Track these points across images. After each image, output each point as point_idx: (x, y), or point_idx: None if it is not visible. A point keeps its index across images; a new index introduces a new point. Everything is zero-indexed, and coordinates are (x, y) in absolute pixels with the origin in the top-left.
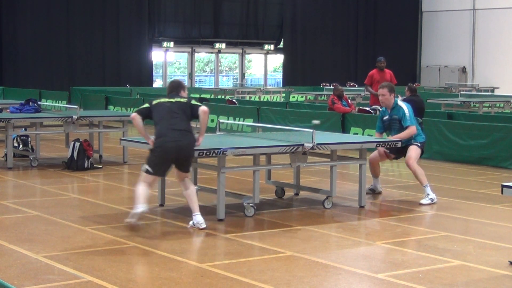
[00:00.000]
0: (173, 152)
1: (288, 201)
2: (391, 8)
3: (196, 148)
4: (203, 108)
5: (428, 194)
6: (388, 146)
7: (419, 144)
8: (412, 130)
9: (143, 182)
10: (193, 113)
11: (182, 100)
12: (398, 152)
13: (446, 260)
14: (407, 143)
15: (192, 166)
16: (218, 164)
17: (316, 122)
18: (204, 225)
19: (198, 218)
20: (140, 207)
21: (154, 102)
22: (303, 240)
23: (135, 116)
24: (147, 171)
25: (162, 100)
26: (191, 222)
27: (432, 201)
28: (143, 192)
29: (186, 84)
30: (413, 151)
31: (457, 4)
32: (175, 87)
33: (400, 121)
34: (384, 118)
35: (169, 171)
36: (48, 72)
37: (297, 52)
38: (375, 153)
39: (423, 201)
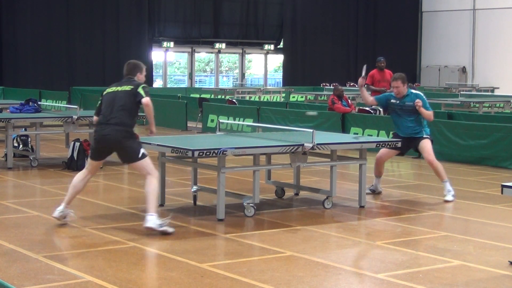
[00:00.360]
0: (102, 144)
1: (288, 201)
2: (391, 8)
3: (150, 137)
4: (144, 101)
5: (449, 190)
6: (388, 146)
7: (429, 137)
8: (432, 114)
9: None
10: (137, 102)
11: (128, 88)
12: (406, 147)
13: (446, 260)
14: (412, 135)
15: (192, 166)
16: (218, 164)
17: (311, 113)
18: (161, 228)
19: (149, 218)
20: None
21: (104, 92)
22: (303, 240)
23: (96, 119)
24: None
25: (110, 89)
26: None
27: (454, 196)
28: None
29: (144, 65)
30: (429, 146)
31: (457, 4)
32: (130, 70)
33: (412, 108)
34: (392, 101)
35: (102, 156)
36: (48, 72)
37: (297, 52)
38: (383, 150)
39: (448, 198)
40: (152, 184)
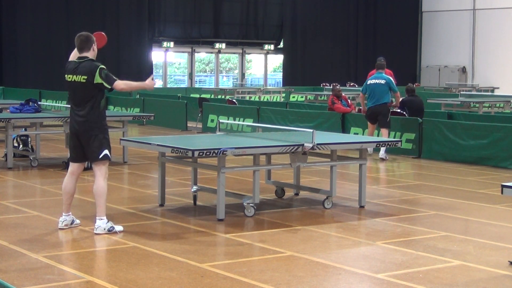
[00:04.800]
0: (75, 138)
1: (288, 201)
2: (391, 8)
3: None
4: (117, 88)
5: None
6: (388, 146)
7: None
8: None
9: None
10: (100, 92)
11: (82, 79)
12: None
13: (446, 260)
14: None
15: (192, 166)
16: (218, 164)
17: None
18: (119, 228)
19: (99, 223)
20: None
21: (65, 77)
22: (303, 240)
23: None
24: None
25: (67, 76)
26: (100, 228)
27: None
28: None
29: (94, 38)
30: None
31: (457, 4)
32: (82, 45)
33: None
34: (369, 82)
35: (79, 157)
36: (48, 72)
37: (297, 52)
38: (369, 131)
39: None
40: (100, 182)
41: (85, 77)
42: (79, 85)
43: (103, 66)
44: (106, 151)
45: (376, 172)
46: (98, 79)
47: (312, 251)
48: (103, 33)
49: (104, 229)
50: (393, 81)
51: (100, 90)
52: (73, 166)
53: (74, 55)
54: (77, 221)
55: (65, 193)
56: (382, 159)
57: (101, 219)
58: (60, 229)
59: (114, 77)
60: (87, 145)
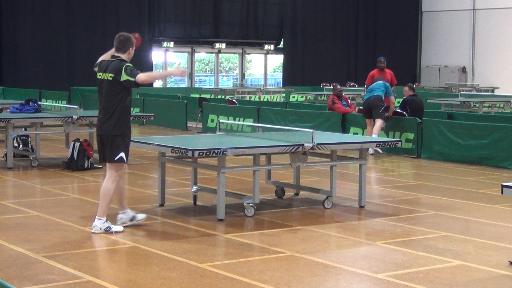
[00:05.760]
0: (99, 139)
1: (288, 201)
2: (391, 8)
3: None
4: (139, 82)
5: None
6: (388, 146)
7: None
8: None
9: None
10: (126, 92)
11: (109, 77)
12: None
13: (446, 260)
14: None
15: (192, 166)
16: (218, 164)
17: None
18: (119, 229)
19: (97, 223)
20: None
21: (96, 71)
22: (303, 240)
23: None
24: None
25: (98, 74)
26: (98, 227)
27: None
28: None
29: (134, 41)
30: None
31: (457, 4)
32: (120, 46)
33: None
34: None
35: (105, 157)
36: (48, 72)
37: (297, 52)
38: (368, 129)
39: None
40: (109, 183)
41: (112, 75)
42: (106, 83)
43: (129, 64)
44: (121, 154)
45: (376, 172)
46: (124, 76)
47: (312, 251)
48: (138, 36)
49: (100, 228)
50: (389, 87)
51: (125, 89)
52: (105, 167)
53: (106, 56)
54: (139, 215)
55: (115, 193)
56: (375, 152)
57: (100, 219)
58: (119, 227)
59: (137, 71)
60: (106, 145)
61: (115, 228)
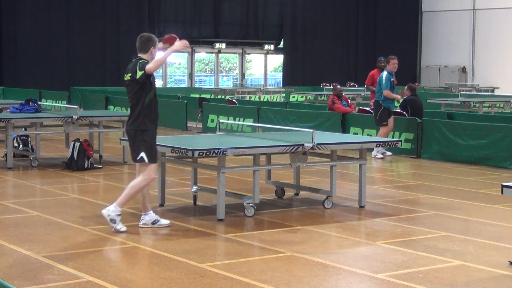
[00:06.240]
0: (128, 139)
1: (288, 201)
2: (391, 8)
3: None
4: (148, 71)
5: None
6: (388, 146)
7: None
8: None
9: None
10: (143, 91)
11: (128, 77)
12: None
13: (446, 260)
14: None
15: (192, 166)
16: (218, 164)
17: None
18: (165, 222)
19: (108, 210)
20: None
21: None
22: (303, 240)
23: None
24: None
25: (126, 75)
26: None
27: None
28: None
29: (155, 41)
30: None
31: (457, 4)
32: (141, 46)
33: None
34: (392, 79)
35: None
36: (48, 72)
37: (297, 52)
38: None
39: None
40: (139, 180)
41: (130, 75)
42: (127, 83)
43: (144, 60)
44: (142, 154)
45: (376, 172)
46: (139, 73)
47: (312, 251)
48: (173, 36)
49: (108, 215)
50: (383, 80)
51: (143, 86)
52: (136, 165)
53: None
54: (163, 221)
55: (139, 194)
56: (380, 157)
57: (115, 207)
58: (140, 227)
59: (146, 62)
60: (129, 144)
61: (118, 225)
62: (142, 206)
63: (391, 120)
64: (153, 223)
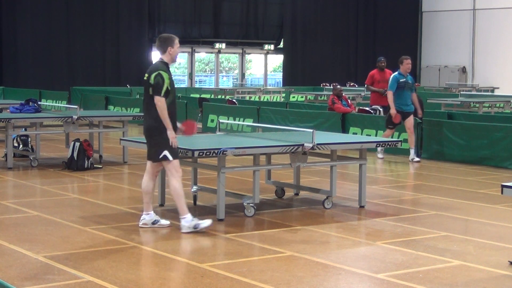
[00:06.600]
0: (144, 135)
1: (288, 201)
2: (391, 8)
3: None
4: (156, 99)
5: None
6: (388, 146)
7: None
8: None
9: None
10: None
11: (145, 77)
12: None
13: (446, 260)
14: (410, 110)
15: (192, 166)
16: (218, 164)
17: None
18: (207, 223)
19: (183, 223)
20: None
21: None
22: (303, 240)
23: None
24: None
25: (146, 74)
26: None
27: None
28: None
29: (172, 40)
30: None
31: (457, 4)
32: (159, 47)
33: (412, 84)
34: (401, 80)
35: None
36: (48, 72)
37: (297, 52)
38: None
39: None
40: (174, 181)
41: (147, 75)
42: (144, 83)
43: (162, 73)
44: (165, 152)
45: (376, 172)
46: (152, 80)
47: (312, 251)
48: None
49: (189, 227)
50: (390, 80)
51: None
52: (147, 164)
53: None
54: (163, 221)
55: (143, 192)
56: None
57: (184, 217)
58: (140, 227)
59: (161, 90)
60: (147, 144)
61: (203, 223)
62: (145, 205)
63: (408, 121)
64: (153, 223)
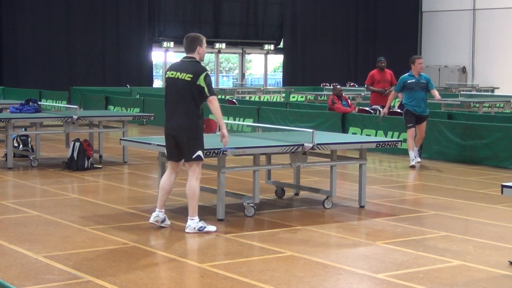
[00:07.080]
0: (170, 139)
1: (288, 201)
2: (391, 8)
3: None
4: (209, 99)
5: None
6: (388, 146)
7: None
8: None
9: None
10: (200, 95)
11: (186, 77)
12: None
13: (446, 260)
14: (423, 113)
15: None
16: (218, 164)
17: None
18: (212, 228)
19: (190, 223)
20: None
21: (166, 75)
22: (303, 240)
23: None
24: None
25: (170, 73)
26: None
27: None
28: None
29: (201, 39)
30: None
31: (457, 4)
32: (187, 46)
33: (426, 83)
34: (409, 81)
35: (174, 155)
36: (48, 72)
37: (297, 52)
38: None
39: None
40: (193, 182)
41: (191, 76)
42: (183, 83)
43: (209, 73)
44: (199, 152)
45: (376, 172)
46: (201, 82)
47: (312, 251)
48: (212, 121)
49: (194, 228)
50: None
51: (200, 92)
52: (169, 164)
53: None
54: (168, 222)
55: (161, 189)
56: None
57: (192, 219)
58: (151, 223)
59: (214, 90)
60: (182, 145)
61: (208, 227)
62: (160, 202)
63: (420, 126)
64: (162, 221)
